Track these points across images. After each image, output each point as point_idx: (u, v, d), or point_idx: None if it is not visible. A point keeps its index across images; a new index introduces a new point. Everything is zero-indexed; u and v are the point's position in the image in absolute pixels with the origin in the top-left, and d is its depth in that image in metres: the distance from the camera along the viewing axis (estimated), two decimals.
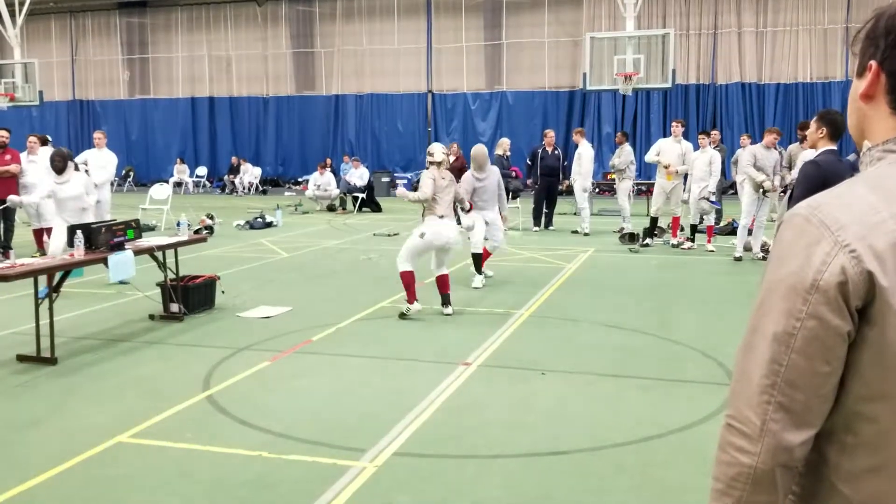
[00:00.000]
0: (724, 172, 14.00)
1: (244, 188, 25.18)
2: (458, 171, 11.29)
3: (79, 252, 6.62)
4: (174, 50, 28.50)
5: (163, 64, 28.80)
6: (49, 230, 11.01)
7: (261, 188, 25.58)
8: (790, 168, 10.67)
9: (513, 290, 9.10)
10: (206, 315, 7.88)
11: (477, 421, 4.89)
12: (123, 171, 25.51)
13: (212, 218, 15.24)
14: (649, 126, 23.84)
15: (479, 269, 9.34)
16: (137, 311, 7.95)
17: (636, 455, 4.37)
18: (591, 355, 6.36)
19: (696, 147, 12.50)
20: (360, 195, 19.27)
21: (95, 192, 9.50)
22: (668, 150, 12.48)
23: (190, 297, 7.83)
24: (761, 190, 10.70)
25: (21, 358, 6.25)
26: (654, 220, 12.85)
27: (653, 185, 13.60)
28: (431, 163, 7.80)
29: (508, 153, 14.70)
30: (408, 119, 26.06)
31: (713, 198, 12.16)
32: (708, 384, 5.55)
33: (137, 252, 7.16)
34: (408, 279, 7.60)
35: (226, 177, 26.05)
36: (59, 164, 8.54)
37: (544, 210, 14.86)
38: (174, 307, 7.68)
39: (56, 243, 7.77)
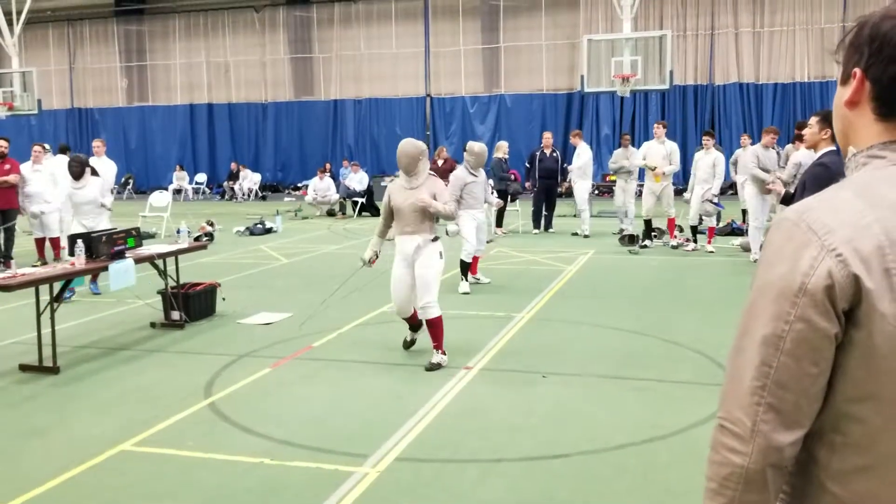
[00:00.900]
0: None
1: (244, 194, 25.22)
2: (447, 173, 11.21)
3: (79, 261, 6.65)
4: (172, 57, 28.51)
5: (161, 71, 28.81)
6: (53, 240, 11.06)
7: (260, 194, 25.64)
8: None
9: (513, 293, 9.11)
10: (206, 322, 7.89)
11: (478, 425, 4.91)
12: (123, 179, 25.49)
13: (212, 224, 15.28)
14: (647, 128, 23.82)
15: (465, 275, 9.29)
16: (138, 319, 7.97)
17: (638, 457, 4.39)
18: (592, 358, 6.38)
19: (682, 147, 12.42)
20: (360, 200, 19.31)
21: (111, 195, 9.85)
22: (652, 152, 12.44)
23: (191, 304, 7.84)
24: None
25: (23, 367, 6.27)
26: (647, 223, 12.82)
27: None
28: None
29: (507, 156, 14.73)
30: (406, 123, 26.03)
31: (717, 200, 12.15)
32: (709, 386, 5.55)
33: (138, 260, 7.19)
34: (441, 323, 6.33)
35: (225, 183, 26.09)
36: (77, 170, 8.95)
37: (544, 212, 14.88)
38: (175, 315, 7.70)
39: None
